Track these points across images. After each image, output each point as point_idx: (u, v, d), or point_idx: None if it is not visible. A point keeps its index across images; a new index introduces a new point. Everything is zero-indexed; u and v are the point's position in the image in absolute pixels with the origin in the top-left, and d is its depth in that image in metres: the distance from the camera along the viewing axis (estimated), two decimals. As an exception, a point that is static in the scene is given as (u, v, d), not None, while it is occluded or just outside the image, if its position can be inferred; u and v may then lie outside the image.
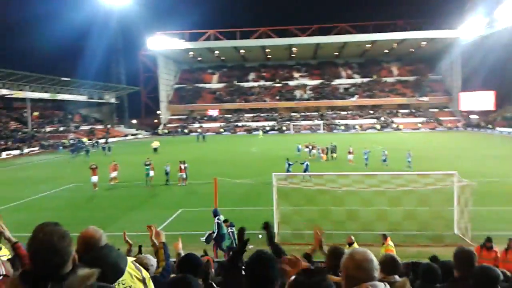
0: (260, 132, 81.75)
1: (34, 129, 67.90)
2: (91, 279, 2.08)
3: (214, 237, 13.78)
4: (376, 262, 2.56)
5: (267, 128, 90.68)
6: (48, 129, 71.97)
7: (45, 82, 71.81)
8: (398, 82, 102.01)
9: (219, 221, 13.97)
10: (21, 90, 67.24)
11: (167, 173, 29.07)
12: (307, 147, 41.89)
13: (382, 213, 17.33)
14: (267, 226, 5.00)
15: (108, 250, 2.70)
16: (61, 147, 60.62)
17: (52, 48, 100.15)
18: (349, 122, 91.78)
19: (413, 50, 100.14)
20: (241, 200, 23.00)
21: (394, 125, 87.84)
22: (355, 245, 12.21)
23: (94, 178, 27.92)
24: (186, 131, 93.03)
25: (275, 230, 15.68)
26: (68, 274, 2.09)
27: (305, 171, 26.60)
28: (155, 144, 50.87)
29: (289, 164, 28.18)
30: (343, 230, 15.54)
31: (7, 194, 26.81)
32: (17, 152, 55.27)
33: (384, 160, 34.05)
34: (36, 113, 75.00)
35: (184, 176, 28.75)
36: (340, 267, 2.61)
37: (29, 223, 14.58)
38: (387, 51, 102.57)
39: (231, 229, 13.70)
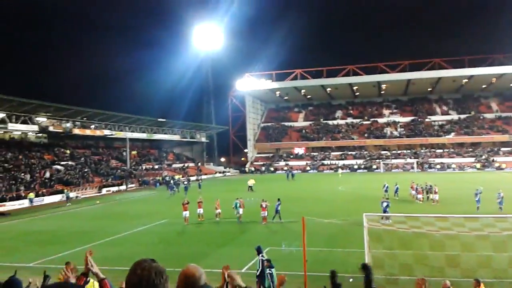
0: (340, 171, 79.66)
1: (132, 167, 72.55)
2: None
3: (258, 274, 13.57)
4: None
5: (355, 167, 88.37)
6: (144, 166, 76.51)
7: (142, 123, 77.06)
8: (498, 118, 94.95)
9: (263, 258, 13.76)
10: (121, 130, 72.72)
11: (277, 211, 28.91)
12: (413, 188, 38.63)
13: (485, 259, 15.72)
14: (366, 268, 4.51)
15: None
16: (158, 184, 63.95)
17: (149, 92, 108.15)
18: (445, 160, 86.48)
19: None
20: (330, 240, 22.23)
21: (496, 164, 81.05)
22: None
23: (186, 213, 29.07)
24: (272, 169, 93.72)
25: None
26: None
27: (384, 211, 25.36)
28: (251, 182, 51.07)
29: (387, 205, 26.47)
30: (441, 277, 14.29)
31: (106, 228, 28.48)
32: (116, 188, 59.15)
33: (500, 203, 29.99)
34: (134, 152, 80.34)
35: (266, 214, 28.66)
36: None
37: (124, 257, 15.28)
38: (485, 86, 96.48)
39: (270, 270, 13.24)
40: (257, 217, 29.36)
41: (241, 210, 29.31)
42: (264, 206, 28.70)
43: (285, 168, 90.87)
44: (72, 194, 50.05)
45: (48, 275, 9.80)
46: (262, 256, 13.92)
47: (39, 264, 19.18)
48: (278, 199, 29.76)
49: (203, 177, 78.65)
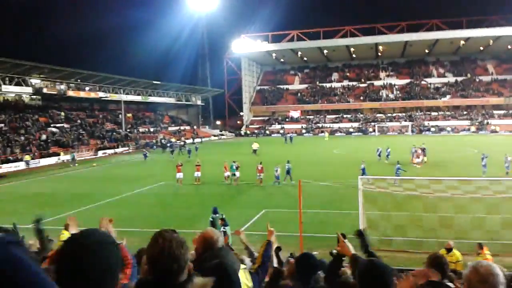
0: (326, 134, 79.57)
1: (128, 130, 72.39)
2: (207, 287, 2.12)
3: None
4: (502, 276, 2.34)
5: (350, 130, 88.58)
6: (140, 129, 76.36)
7: (137, 86, 76.27)
8: (494, 81, 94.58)
9: (212, 219, 14.83)
10: (116, 93, 72.01)
11: (288, 172, 29.33)
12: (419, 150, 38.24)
13: (478, 221, 16.07)
14: (361, 234, 4.51)
15: (225, 251, 2.80)
16: (154, 146, 64.11)
17: (143, 53, 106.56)
18: (440, 123, 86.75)
19: (510, 47, 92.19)
20: (326, 203, 22.57)
21: (491, 127, 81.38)
22: (455, 251, 11.42)
23: (179, 175, 29.98)
24: (267, 132, 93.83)
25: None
26: (185, 282, 2.10)
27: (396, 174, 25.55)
28: (255, 145, 50.80)
29: (399, 169, 26.34)
30: (434, 238, 14.66)
31: (104, 190, 28.76)
32: (111, 151, 59.20)
33: (507, 167, 29.58)
34: (129, 115, 79.90)
35: (262, 176, 29.18)
36: (462, 279, 2.49)
37: (123, 218, 15.41)
38: (482, 48, 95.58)
39: (224, 228, 14.09)
40: (253, 179, 29.72)
41: (237, 173, 29.60)
42: (259, 168, 29.10)
43: (281, 131, 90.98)
44: (67, 157, 50.14)
45: (52, 239, 9.87)
46: (212, 217, 14.81)
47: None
48: (288, 161, 30.20)
49: (198, 140, 78.63)
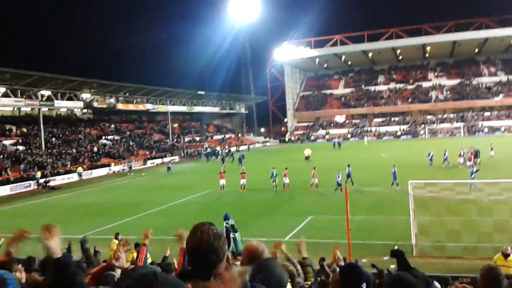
0: (365, 139, 77.72)
1: (174, 140, 73.97)
2: (246, 274, 2.21)
3: None
4: None
5: (398, 133, 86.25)
6: (186, 139, 77.82)
7: (183, 96, 77.88)
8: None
9: (227, 225, 14.25)
10: (162, 104, 73.83)
11: (349, 175, 28.76)
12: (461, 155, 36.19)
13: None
14: (396, 254, 4.12)
15: (273, 262, 2.76)
16: (202, 154, 64.96)
17: (187, 64, 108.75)
18: (494, 123, 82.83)
19: None
20: (374, 208, 21.96)
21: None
22: None
23: (222, 181, 30.56)
24: (312, 138, 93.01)
25: (412, 241, 14.54)
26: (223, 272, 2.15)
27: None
28: (307, 152, 49.34)
29: (472, 172, 24.42)
30: (489, 243, 13.86)
31: (152, 199, 29.35)
32: (159, 160, 60.60)
33: None
34: (175, 125, 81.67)
35: (287, 181, 29.45)
36: None
37: (169, 227, 15.55)
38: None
39: (233, 235, 13.92)
40: (301, 186, 29.41)
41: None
42: (313, 173, 28.90)
43: (326, 136, 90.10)
44: (118, 168, 51.75)
45: (98, 250, 10.12)
46: (227, 223, 14.38)
47: (91, 235, 20.04)
48: (348, 165, 29.85)
49: (244, 147, 79.09)
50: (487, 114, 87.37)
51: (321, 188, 28.31)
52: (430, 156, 37.27)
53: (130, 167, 51.50)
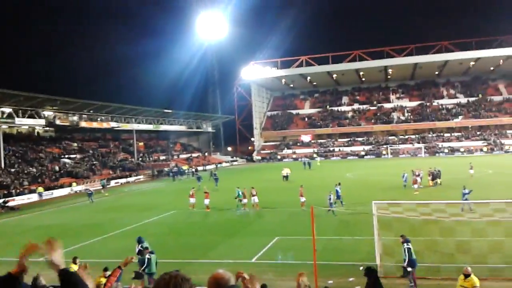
0: (318, 159, 78.70)
1: (140, 159, 72.73)
2: None
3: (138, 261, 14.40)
4: None
5: (362, 153, 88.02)
6: (152, 158, 76.63)
7: (149, 115, 77.02)
8: (506, 100, 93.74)
9: (141, 248, 15.09)
10: (127, 122, 72.71)
11: (338, 196, 28.17)
12: (416, 174, 36.08)
13: (496, 244, 15.57)
14: (369, 273, 4.23)
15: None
16: (170, 173, 63.79)
17: (153, 82, 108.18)
18: (453, 144, 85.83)
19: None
20: (339, 228, 22.15)
21: (506, 147, 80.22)
22: (473, 276, 11.02)
23: (192, 200, 30.60)
24: (279, 157, 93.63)
25: (377, 262, 14.71)
26: None
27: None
28: (286, 171, 48.71)
29: (465, 193, 24.06)
30: (451, 263, 14.21)
31: (116, 220, 28.60)
32: (124, 180, 59.32)
33: None
34: (141, 144, 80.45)
35: (256, 200, 29.36)
36: None
37: (134, 249, 14.95)
38: (492, 68, 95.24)
39: (149, 256, 14.38)
40: (269, 205, 29.49)
41: (256, 199, 29.52)
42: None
43: (294, 156, 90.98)
44: (79, 187, 50.34)
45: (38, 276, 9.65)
46: (141, 246, 15.08)
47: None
48: (339, 183, 29.83)
49: (209, 167, 78.58)
50: (447, 135, 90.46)
51: (289, 208, 28.44)
52: (404, 177, 36.28)
53: (104, 185, 50.43)
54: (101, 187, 49.87)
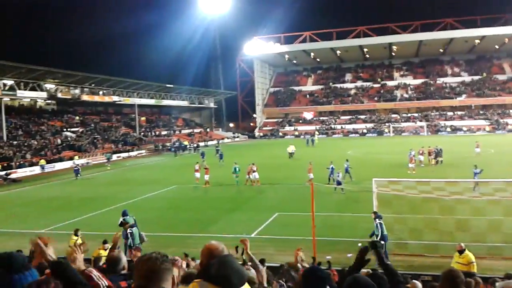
0: (316, 136, 75.96)
1: (141, 133, 72.77)
2: None
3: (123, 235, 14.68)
4: None
5: (364, 131, 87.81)
6: (154, 133, 76.64)
7: (151, 89, 76.68)
8: (510, 80, 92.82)
9: (123, 220, 15.32)
10: (129, 96, 72.46)
11: (347, 171, 28.92)
12: (421, 153, 36.21)
13: (495, 223, 15.61)
14: (375, 247, 4.22)
15: (232, 257, 2.73)
16: (172, 149, 63.57)
17: (156, 56, 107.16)
18: (456, 123, 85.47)
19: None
20: (339, 205, 22.26)
21: (510, 127, 79.82)
22: (467, 252, 11.11)
23: (206, 177, 30.37)
24: (280, 134, 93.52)
25: (376, 238, 14.79)
26: None
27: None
28: (291, 148, 48.14)
29: (476, 173, 23.99)
30: (450, 241, 14.28)
31: (117, 194, 28.77)
32: (126, 154, 59.47)
33: None
34: (143, 118, 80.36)
35: (257, 176, 29.68)
36: None
37: (140, 221, 15.10)
38: (497, 46, 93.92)
39: (130, 230, 14.80)
40: (271, 181, 29.60)
41: (256, 175, 29.73)
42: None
43: (296, 133, 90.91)
44: (82, 161, 50.55)
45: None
46: (124, 219, 15.27)
47: (51, 230, 19.49)
48: (347, 160, 30.74)
49: (211, 142, 78.61)
50: (450, 113, 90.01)
51: (289, 184, 28.59)
52: (411, 154, 35.15)
53: (109, 158, 51.41)
54: (106, 160, 50.88)
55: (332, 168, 28.63)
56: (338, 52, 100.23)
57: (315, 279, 3.11)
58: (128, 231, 14.77)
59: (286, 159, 46.01)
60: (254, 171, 29.86)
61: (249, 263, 4.42)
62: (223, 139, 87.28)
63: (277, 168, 37.86)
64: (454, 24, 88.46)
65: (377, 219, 14.32)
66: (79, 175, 38.04)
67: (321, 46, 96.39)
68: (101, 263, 7.97)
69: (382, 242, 13.68)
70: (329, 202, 22.37)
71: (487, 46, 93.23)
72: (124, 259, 4.05)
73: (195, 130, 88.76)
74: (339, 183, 25.98)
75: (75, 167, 39.90)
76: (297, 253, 5.47)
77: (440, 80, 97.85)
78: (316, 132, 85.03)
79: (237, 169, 30.51)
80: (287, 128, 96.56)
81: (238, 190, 29.06)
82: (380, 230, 14.05)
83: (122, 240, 14.15)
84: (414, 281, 6.51)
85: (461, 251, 11.21)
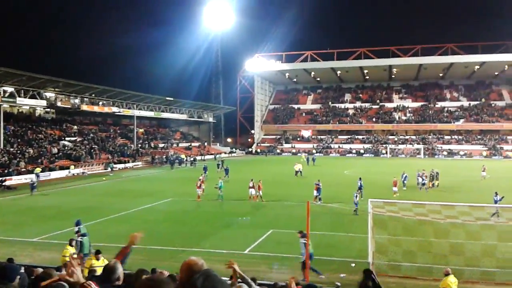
0: (303, 155, 76.32)
1: (139, 145, 72.72)
2: None
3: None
4: None
5: (361, 151, 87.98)
6: (151, 145, 76.56)
7: (151, 102, 76.88)
8: (509, 106, 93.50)
9: (76, 229, 15.88)
10: (129, 108, 72.63)
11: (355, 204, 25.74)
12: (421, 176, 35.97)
13: (490, 248, 15.58)
14: (369, 274, 4.20)
15: (213, 271, 2.69)
16: (169, 161, 63.36)
17: (158, 70, 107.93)
18: (453, 147, 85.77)
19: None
20: (333, 225, 22.17)
21: (507, 153, 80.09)
22: (451, 277, 11.10)
23: (199, 191, 30.47)
24: (278, 151, 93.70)
25: (369, 259, 14.74)
26: None
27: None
28: (298, 167, 47.97)
29: (496, 200, 23.27)
30: (444, 265, 14.22)
31: (112, 205, 28.61)
32: (122, 165, 59.30)
33: None
34: (141, 130, 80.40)
35: (254, 192, 29.85)
36: None
37: (129, 234, 14.98)
38: (497, 73, 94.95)
39: (81, 238, 15.14)
40: (268, 198, 29.57)
41: (253, 191, 29.89)
42: (316, 185, 29.06)
43: (293, 150, 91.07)
44: (78, 170, 50.41)
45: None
46: (79, 229, 15.77)
47: (44, 240, 19.37)
48: (360, 178, 31.25)
49: (208, 157, 78.59)
50: (447, 137, 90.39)
51: (288, 202, 28.57)
52: (404, 177, 36.01)
53: (112, 168, 53.23)
54: (109, 170, 52.67)
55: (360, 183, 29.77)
56: (339, 72, 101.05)
57: None
58: (79, 239, 15.13)
59: (292, 176, 45.89)
60: (250, 187, 29.98)
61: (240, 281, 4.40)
62: (220, 153, 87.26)
63: (279, 185, 37.71)
64: (455, 49, 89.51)
65: (301, 239, 14.53)
66: (34, 190, 34.16)
67: (322, 66, 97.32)
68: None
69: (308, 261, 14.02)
70: (324, 221, 22.29)
71: (486, 72, 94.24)
72: (120, 270, 4.02)
73: (193, 144, 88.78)
74: (356, 204, 24.77)
75: (31, 181, 36.01)
76: (291, 281, 5.46)
77: (438, 104, 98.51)
78: (314, 151, 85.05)
79: (222, 184, 30.94)
80: (285, 145, 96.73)
81: (233, 205, 28.95)
82: (304, 249, 14.24)
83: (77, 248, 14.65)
84: None
85: (447, 274, 11.38)
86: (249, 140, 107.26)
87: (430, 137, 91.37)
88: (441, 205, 18.41)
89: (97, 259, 12.14)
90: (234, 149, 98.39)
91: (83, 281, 3.45)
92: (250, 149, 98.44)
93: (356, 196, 25.53)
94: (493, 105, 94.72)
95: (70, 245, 14.19)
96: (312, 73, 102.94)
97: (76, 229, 15.93)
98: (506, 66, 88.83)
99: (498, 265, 14.24)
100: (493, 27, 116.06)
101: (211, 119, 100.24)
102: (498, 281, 13.68)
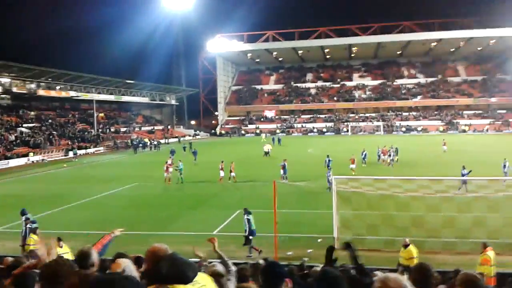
0: (263, 136, 76.86)
1: (100, 130, 71.08)
2: None
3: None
4: None
5: (324, 130, 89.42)
6: (112, 129, 75.03)
7: (110, 85, 74.99)
8: (464, 82, 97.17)
9: (26, 219, 15.88)
10: (88, 92, 70.64)
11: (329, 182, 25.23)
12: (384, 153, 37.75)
13: (449, 219, 16.39)
14: (349, 246, 4.41)
15: (177, 254, 2.71)
16: (134, 145, 62.29)
17: (116, 52, 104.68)
18: (411, 123, 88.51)
19: (481, 48, 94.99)
20: (300, 203, 22.66)
21: (464, 127, 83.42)
22: (411, 247, 11.67)
23: (166, 174, 30.66)
24: (242, 132, 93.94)
25: (335, 234, 15.25)
26: None
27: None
28: (267, 147, 48.21)
29: (464, 174, 23.87)
30: (406, 236, 14.88)
31: (75, 192, 28.09)
32: (83, 151, 57.87)
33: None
34: (101, 114, 78.51)
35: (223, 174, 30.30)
36: None
37: (95, 221, 15.20)
38: (453, 49, 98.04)
39: (30, 225, 15.23)
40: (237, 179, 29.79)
41: (222, 173, 30.27)
42: (282, 165, 29.85)
43: (257, 131, 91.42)
44: (37, 157, 48.97)
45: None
46: (27, 218, 15.85)
47: (7, 229, 18.94)
48: (327, 155, 31.80)
49: (172, 140, 77.88)
50: (405, 114, 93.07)
51: (256, 182, 28.88)
52: (364, 154, 37.29)
53: (75, 154, 52.14)
54: (73, 156, 51.70)
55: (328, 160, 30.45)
56: (300, 52, 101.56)
57: (273, 275, 3.23)
58: (28, 226, 15.29)
59: (259, 157, 46.18)
60: (221, 169, 30.36)
61: (219, 260, 4.52)
62: (184, 136, 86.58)
63: (247, 166, 37.89)
64: (412, 27, 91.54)
65: (245, 215, 15.26)
66: None
67: (283, 45, 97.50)
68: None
69: (251, 237, 14.87)
70: (290, 199, 22.72)
71: (443, 49, 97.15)
72: (95, 255, 4.04)
73: (156, 127, 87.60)
74: (330, 182, 23.95)
75: None
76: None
77: (397, 82, 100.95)
78: (278, 131, 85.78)
79: (181, 166, 31.20)
80: (249, 126, 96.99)
81: (201, 187, 29.05)
82: (248, 226, 14.91)
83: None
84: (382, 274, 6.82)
85: (406, 246, 11.84)
86: (213, 122, 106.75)
87: (389, 114, 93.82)
88: (401, 179, 19.16)
89: (60, 246, 11.86)
90: (198, 132, 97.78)
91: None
92: (214, 131, 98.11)
93: (329, 174, 25.33)
94: (449, 81, 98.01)
95: (34, 233, 13.94)
96: (274, 53, 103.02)
97: (24, 218, 15.96)
98: (462, 43, 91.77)
99: (458, 235, 14.94)
100: (449, 5, 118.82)
101: (173, 102, 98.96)
102: (459, 250, 14.39)
